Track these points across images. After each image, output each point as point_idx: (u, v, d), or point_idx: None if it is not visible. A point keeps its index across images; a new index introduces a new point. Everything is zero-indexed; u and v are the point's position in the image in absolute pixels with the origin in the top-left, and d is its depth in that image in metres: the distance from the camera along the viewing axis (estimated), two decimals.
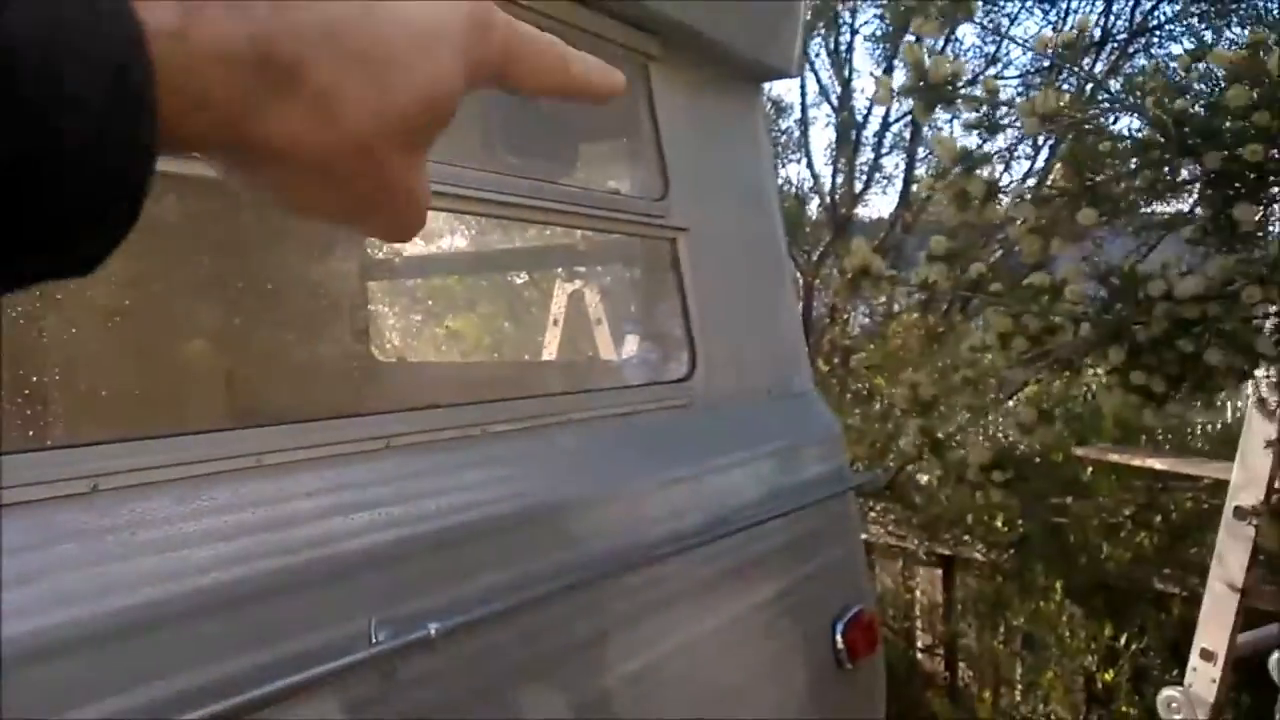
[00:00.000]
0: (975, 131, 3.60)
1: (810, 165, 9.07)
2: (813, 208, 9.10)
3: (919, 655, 6.50)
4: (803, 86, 8.76)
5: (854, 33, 8.70)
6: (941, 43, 7.67)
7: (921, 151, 9.11)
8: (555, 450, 2.19)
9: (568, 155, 3.27)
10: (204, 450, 1.50)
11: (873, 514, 6.39)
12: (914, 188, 8.92)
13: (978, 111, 3.43)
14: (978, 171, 3.30)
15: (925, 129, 8.66)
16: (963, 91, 3.39)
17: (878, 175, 9.01)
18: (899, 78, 8.27)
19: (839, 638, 2.87)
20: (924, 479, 6.31)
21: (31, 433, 1.84)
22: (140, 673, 1.32)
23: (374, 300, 5.17)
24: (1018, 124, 3.37)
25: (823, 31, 8.35)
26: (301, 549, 1.56)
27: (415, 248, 5.82)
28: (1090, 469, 5.73)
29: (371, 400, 3.88)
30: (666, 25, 2.85)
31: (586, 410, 2.31)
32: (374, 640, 1.56)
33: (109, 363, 2.60)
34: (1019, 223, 3.26)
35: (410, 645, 1.56)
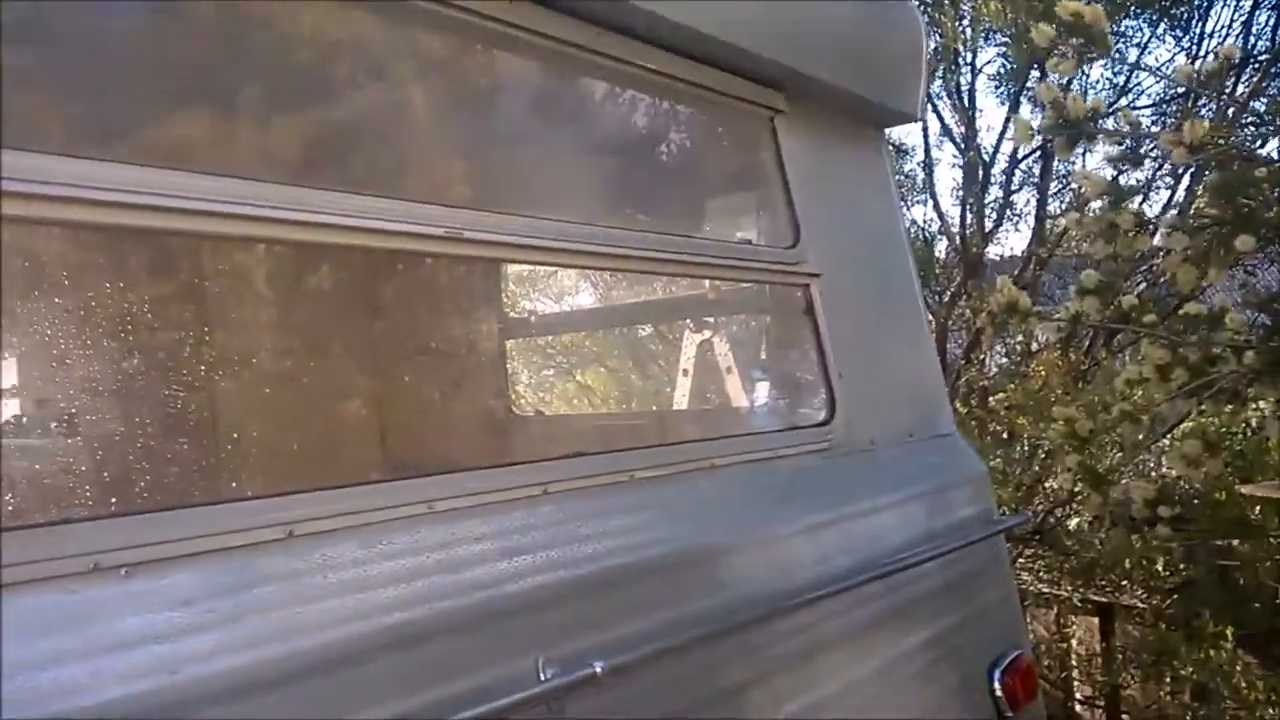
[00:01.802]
0: (1116, 164, 3.51)
1: (937, 206, 8.94)
2: (940, 248, 8.94)
3: (1078, 707, 6.17)
4: (924, 128, 8.68)
5: (975, 72, 8.59)
6: (1066, 77, 7.49)
7: (1053, 186, 8.87)
8: (701, 495, 2.23)
9: (695, 209, 3.35)
10: (383, 498, 1.61)
11: (1021, 560, 6.15)
12: (1047, 224, 8.68)
13: (1120, 145, 3.35)
14: (1125, 204, 3.22)
15: (1056, 163, 8.45)
16: (1103, 126, 3.33)
17: (1008, 213, 8.80)
18: (1025, 112, 8.10)
19: (997, 685, 2.78)
20: (1075, 522, 6.05)
21: (234, 484, 2.00)
22: (334, 707, 1.41)
23: (513, 357, 5.36)
24: (1162, 155, 3.28)
25: (944, 72, 8.28)
26: (472, 590, 1.64)
27: (550, 306, 6.01)
28: (1258, 507, 5.38)
29: (518, 450, 4.00)
30: (791, 78, 2.92)
31: (729, 456, 2.35)
32: (542, 678, 1.62)
33: (284, 420, 2.79)
34: (1171, 253, 3.16)
35: (578, 683, 1.61)
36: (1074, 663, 6.28)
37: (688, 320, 4.90)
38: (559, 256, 2.25)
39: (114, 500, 2.02)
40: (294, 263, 3.06)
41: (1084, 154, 6.93)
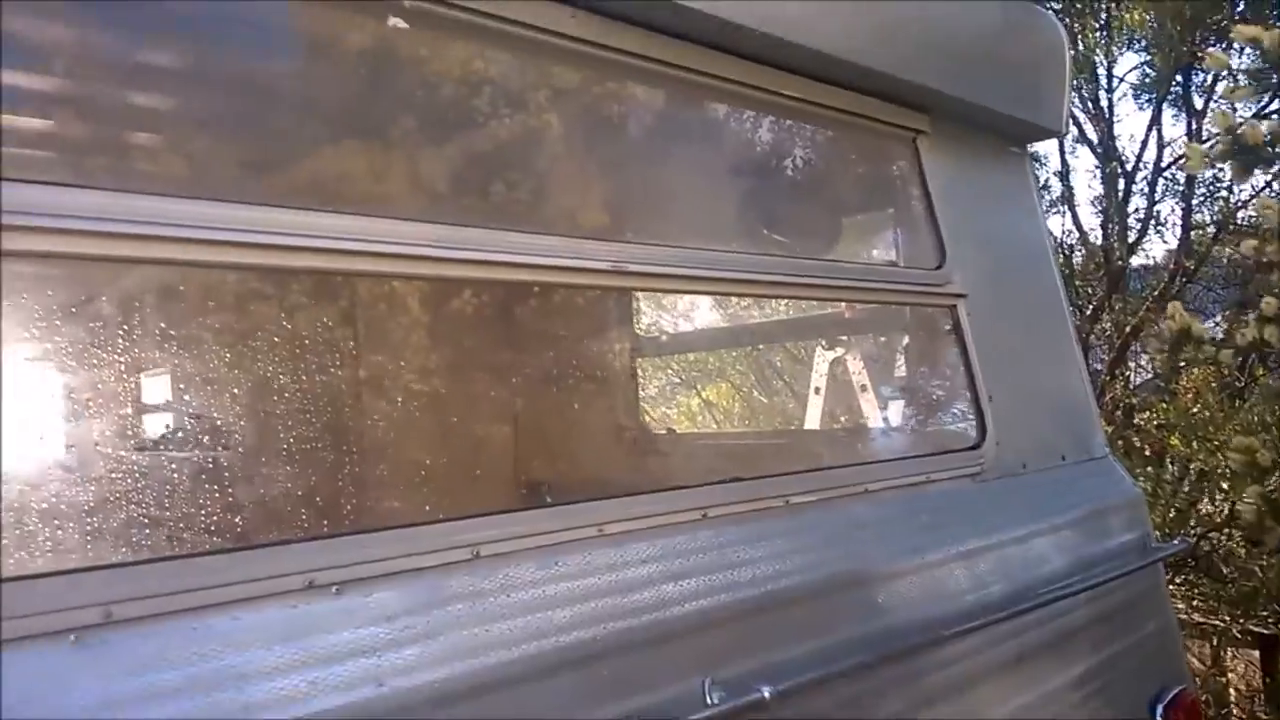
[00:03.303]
0: None
1: (1075, 217, 8.63)
2: (1078, 258, 8.62)
3: None
4: (1060, 140, 8.41)
5: (1114, 80, 8.28)
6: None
7: (1196, 197, 8.46)
8: (855, 521, 2.24)
9: (838, 233, 3.36)
10: (557, 521, 1.68)
11: (1173, 587, 5.86)
12: (1193, 234, 8.29)
13: None
14: None
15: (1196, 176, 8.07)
16: None
17: (1152, 224, 8.44)
18: (1170, 127, 7.74)
19: None
20: (1235, 549, 5.73)
21: (426, 507, 2.12)
22: None
23: (643, 376, 5.43)
24: None
25: (1082, 83, 8.01)
26: (641, 612, 1.70)
27: (682, 324, 6.07)
28: None
29: (677, 473, 4.06)
30: (933, 99, 2.90)
31: (882, 481, 2.35)
32: (710, 701, 1.66)
33: (460, 445, 2.93)
34: None
35: (746, 707, 1.65)
36: (1233, 699, 5.94)
37: (820, 338, 4.88)
38: (713, 285, 2.31)
39: (325, 522, 2.18)
40: (453, 292, 3.21)
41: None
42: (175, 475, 2.04)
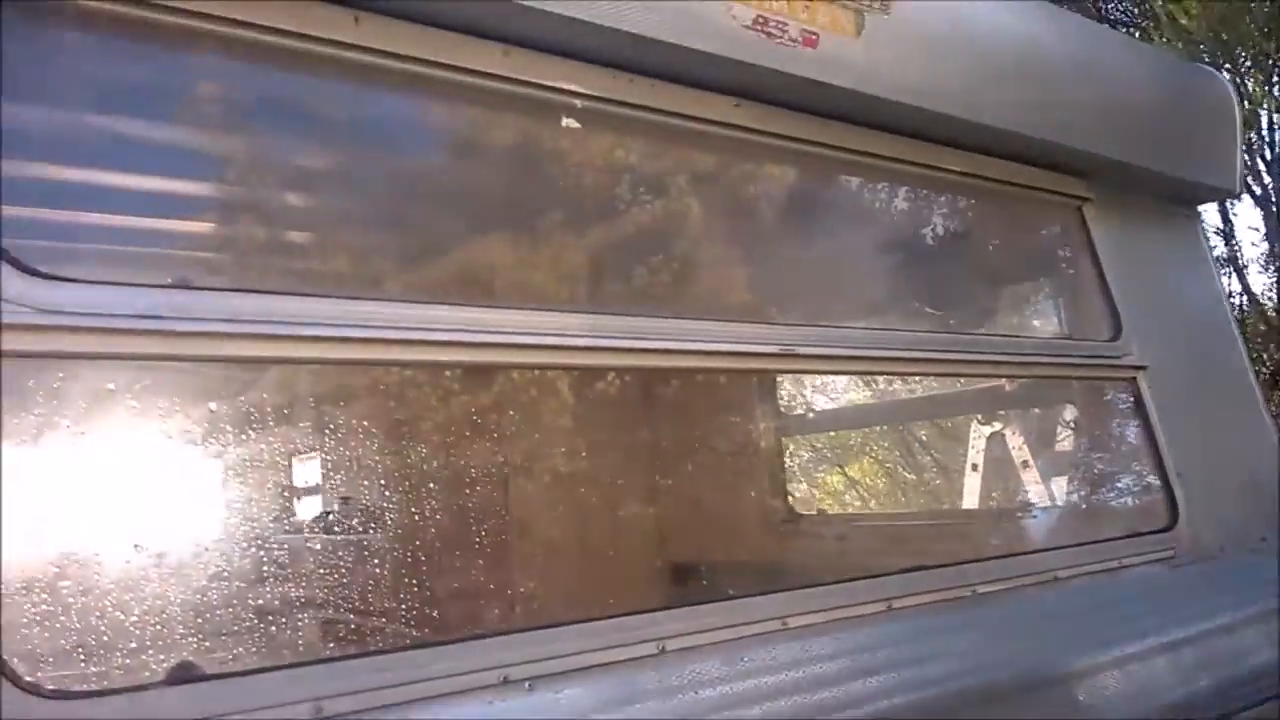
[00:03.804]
0: None
1: (1241, 277, 8.15)
2: (1248, 322, 8.10)
3: None
4: (1230, 199, 8.00)
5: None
6: None
7: None
8: (1045, 611, 2.11)
9: (1004, 306, 3.26)
10: (740, 615, 1.64)
11: None
12: None
13: None
14: None
15: None
16: None
17: None
18: None
19: None
20: None
21: (611, 601, 2.12)
22: None
23: (790, 455, 5.34)
24: None
25: (1250, 137, 7.64)
26: (829, 710, 1.63)
27: (830, 402, 5.97)
28: None
29: (860, 561, 3.93)
30: (1097, 165, 2.81)
31: (1072, 567, 2.22)
32: None
33: (637, 536, 2.94)
34: None
35: None
36: None
37: (977, 413, 4.70)
38: (883, 365, 2.27)
39: (516, 616, 2.21)
40: (605, 379, 3.26)
41: None
42: (373, 569, 2.10)
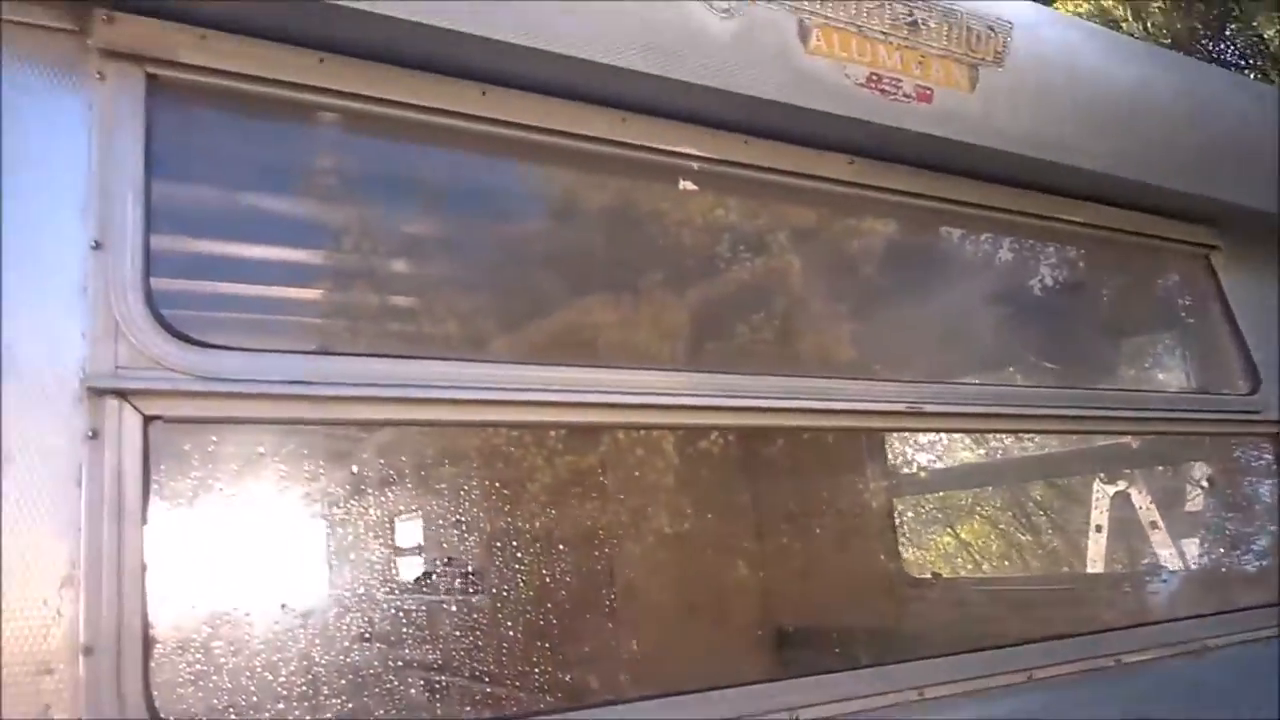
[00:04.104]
0: None
1: None
2: None
3: None
4: None
5: None
6: None
7: None
8: (1193, 681, 1.98)
9: (1128, 360, 3.14)
10: (877, 684, 1.58)
11: None
12: None
13: None
14: None
15: None
16: None
17: None
18: None
19: None
20: None
21: (742, 668, 2.08)
22: None
23: (900, 515, 5.19)
24: None
25: None
26: None
27: (942, 460, 5.81)
28: None
29: (958, 628, 3.80)
30: (1224, 211, 2.70)
31: (1221, 635, 2.08)
32: None
33: (746, 598, 2.90)
34: None
35: None
36: None
37: (1099, 472, 4.50)
38: (1002, 422, 2.19)
39: (629, 682, 2.19)
40: (705, 436, 3.24)
41: None
42: (512, 632, 2.10)
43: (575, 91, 1.67)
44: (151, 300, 1.32)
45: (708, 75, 1.69)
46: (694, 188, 1.86)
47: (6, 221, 1.28)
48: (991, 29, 2.15)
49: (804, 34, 1.81)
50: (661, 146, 1.78)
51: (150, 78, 1.43)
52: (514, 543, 2.27)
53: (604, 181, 1.90)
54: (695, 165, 1.84)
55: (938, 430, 3.11)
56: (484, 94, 1.61)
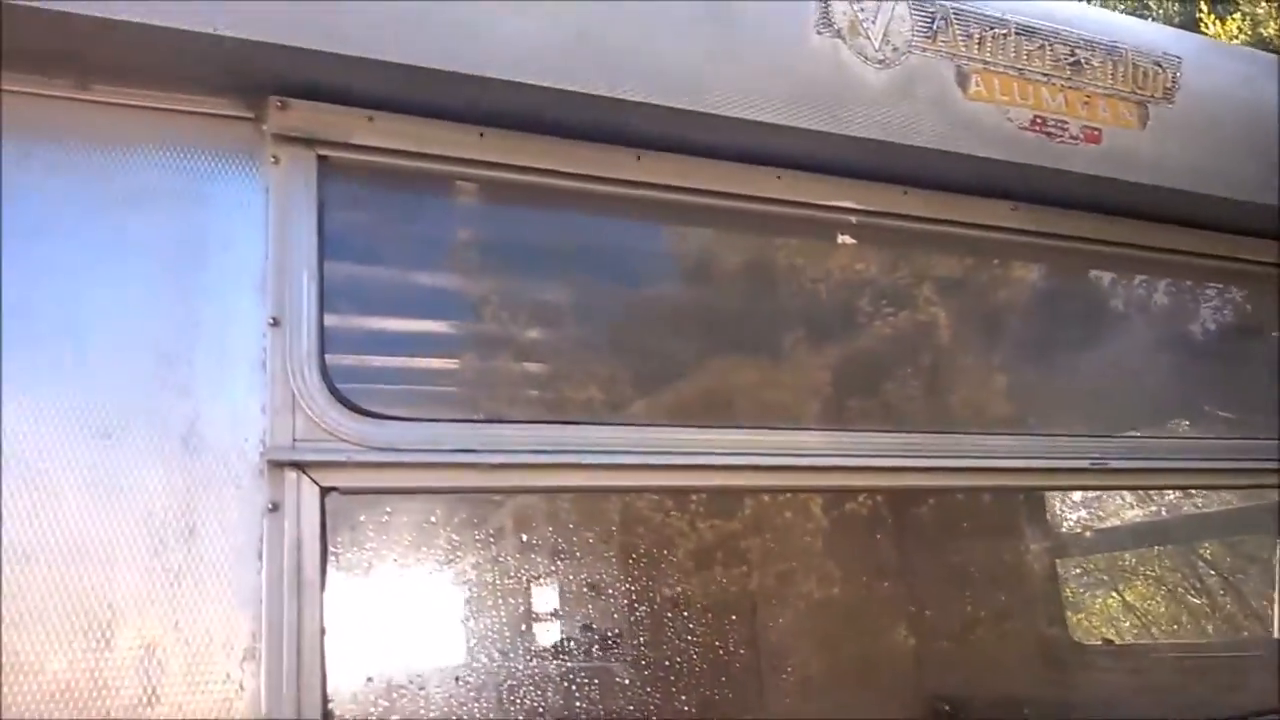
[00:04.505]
0: None
1: None
2: None
3: None
4: None
5: None
6: None
7: None
8: None
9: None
10: None
11: None
12: None
13: None
14: None
15: None
16: None
17: None
18: None
19: None
20: None
21: None
22: None
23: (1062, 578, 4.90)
24: None
25: None
26: None
27: (1106, 519, 5.49)
28: None
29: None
30: None
31: None
32: None
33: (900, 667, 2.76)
34: None
35: None
36: None
37: None
38: (1188, 477, 2.04)
39: None
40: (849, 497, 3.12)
41: None
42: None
43: (729, 151, 1.65)
44: (326, 374, 1.35)
45: (865, 127, 1.65)
46: (852, 241, 1.81)
47: (193, 300, 1.34)
48: (1159, 65, 2.04)
49: (963, 80, 1.76)
50: (817, 201, 1.75)
51: (321, 159, 1.48)
52: (682, 611, 2.22)
53: (760, 239, 1.87)
54: (853, 219, 1.79)
55: (1111, 488, 2.91)
56: (638, 159, 1.61)
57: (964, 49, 1.78)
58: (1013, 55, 1.82)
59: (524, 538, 1.67)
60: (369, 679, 1.39)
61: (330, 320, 1.40)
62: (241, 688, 1.18)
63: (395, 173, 1.55)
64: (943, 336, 2.21)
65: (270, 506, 1.26)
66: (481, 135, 1.55)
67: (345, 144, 1.49)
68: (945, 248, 2.06)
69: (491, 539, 1.59)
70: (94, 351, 1.27)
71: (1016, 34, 1.85)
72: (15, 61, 1.32)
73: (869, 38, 1.69)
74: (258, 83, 1.43)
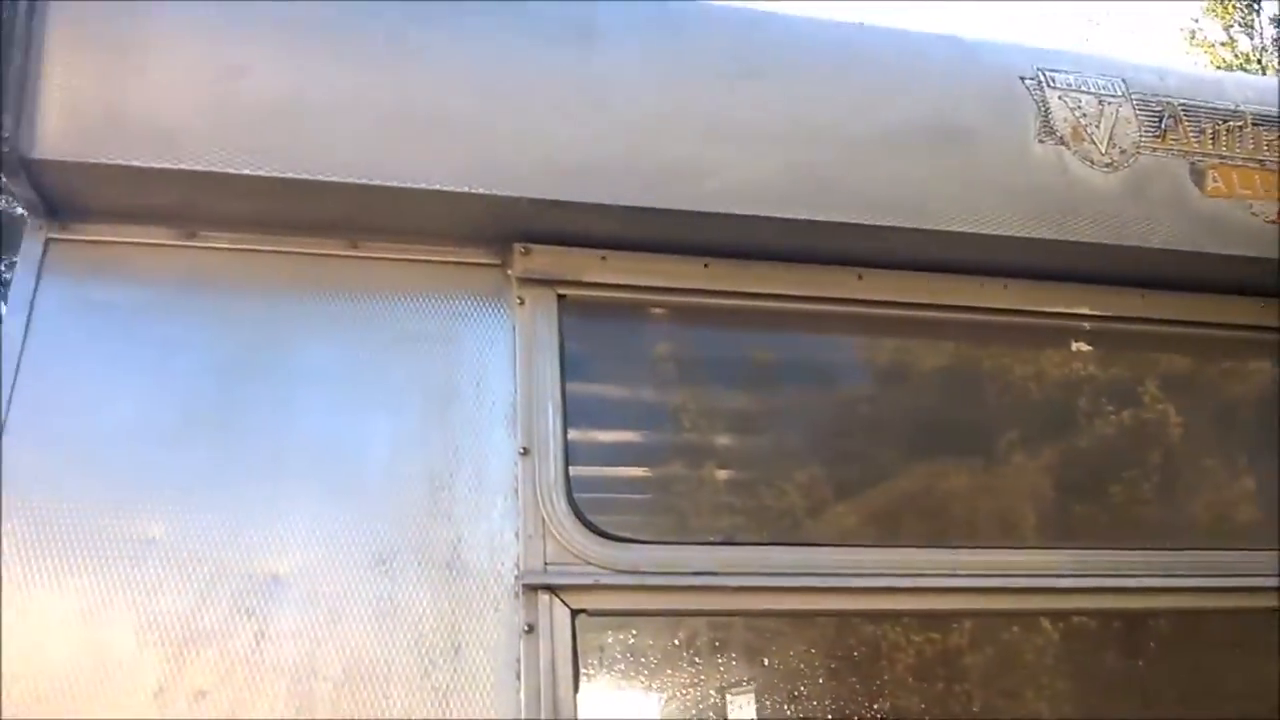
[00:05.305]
0: None
1: None
2: None
3: None
4: None
5: None
6: None
7: None
8: None
9: None
10: None
11: None
12: None
13: None
14: None
15: None
16: None
17: None
18: None
19: None
20: None
21: None
22: None
23: None
24: None
25: None
26: None
27: None
28: None
29: None
30: None
31: None
32: None
33: None
34: None
35: None
36: None
37: None
38: None
39: None
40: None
41: None
42: None
43: (954, 264, 1.64)
44: (573, 500, 1.42)
45: (1095, 232, 1.61)
46: (1087, 348, 1.74)
47: (452, 433, 1.45)
48: None
49: (1198, 177, 1.68)
50: (1047, 309, 1.70)
51: (560, 298, 1.59)
52: None
53: (989, 352, 1.83)
54: (1086, 325, 1.73)
55: None
56: (860, 278, 1.63)
57: (1197, 145, 1.72)
58: (1251, 147, 1.74)
59: (765, 661, 1.66)
60: None
61: (573, 447, 1.48)
62: None
63: (627, 306, 1.63)
64: (1194, 442, 2.05)
65: (526, 628, 1.32)
66: (706, 266, 1.62)
67: (582, 282, 1.60)
68: (1186, 349, 1.94)
69: (733, 660, 1.59)
70: (369, 483, 1.40)
71: (1253, 125, 1.77)
72: (292, 225, 1.51)
73: (1094, 142, 1.66)
74: (504, 232, 1.57)
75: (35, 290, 1.40)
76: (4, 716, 1.18)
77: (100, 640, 1.24)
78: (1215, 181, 1.70)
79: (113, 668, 1.23)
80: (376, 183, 1.46)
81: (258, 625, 1.28)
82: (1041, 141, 1.68)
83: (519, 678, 1.29)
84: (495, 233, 1.57)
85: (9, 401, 1.31)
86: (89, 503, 1.30)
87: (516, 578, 1.35)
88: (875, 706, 1.83)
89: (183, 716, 1.22)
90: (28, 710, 1.19)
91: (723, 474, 1.77)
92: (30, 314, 1.38)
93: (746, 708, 1.57)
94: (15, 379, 1.33)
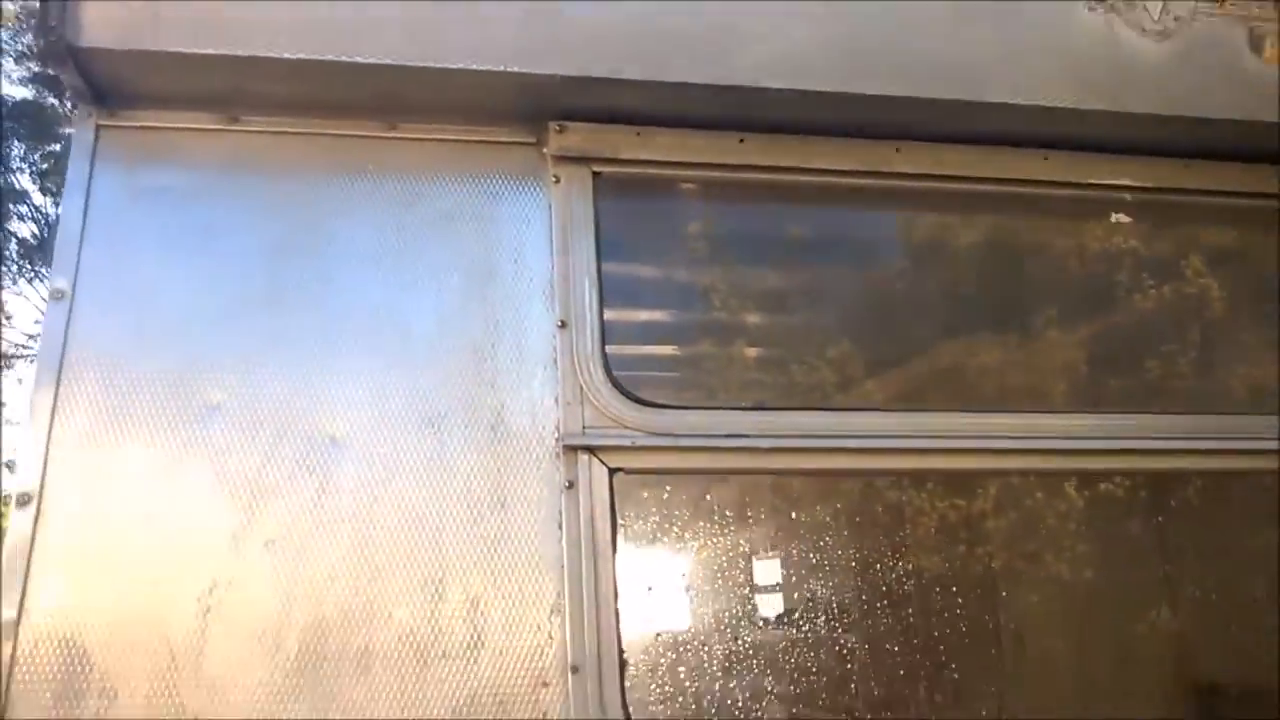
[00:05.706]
0: None
1: None
2: None
3: None
4: None
5: None
6: None
7: None
8: None
9: None
10: None
11: None
12: None
13: None
14: None
15: None
16: None
17: None
18: None
19: None
20: None
21: None
22: None
23: None
24: None
25: None
26: None
27: None
28: None
29: None
30: None
31: None
32: None
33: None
34: None
35: None
36: None
37: None
38: None
39: None
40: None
41: None
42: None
43: (994, 137, 1.63)
44: (609, 368, 1.48)
45: (1145, 102, 1.57)
46: (1127, 219, 1.72)
47: (492, 307, 1.51)
48: None
49: (1256, 43, 1.63)
50: (1087, 180, 1.68)
51: (595, 175, 1.62)
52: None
53: (1026, 224, 1.82)
54: (1128, 196, 1.71)
55: None
56: (898, 150, 1.63)
57: (1258, 9, 1.66)
58: None
59: (794, 515, 1.73)
60: (657, 634, 1.52)
61: (609, 319, 1.53)
62: (550, 637, 1.33)
63: (663, 182, 1.66)
64: (1231, 314, 2.02)
65: (567, 484, 1.41)
66: (741, 141, 1.63)
67: (617, 159, 1.62)
68: (1232, 220, 1.90)
69: (761, 516, 1.67)
70: (416, 353, 1.47)
71: None
72: (332, 108, 1.55)
73: (1147, 9, 1.61)
74: (539, 110, 1.60)
75: (90, 175, 1.48)
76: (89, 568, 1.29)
77: (176, 494, 1.35)
78: (1273, 48, 1.65)
79: (192, 519, 1.34)
80: (414, 63, 1.49)
81: (319, 480, 1.38)
82: (1091, 9, 1.64)
83: (560, 528, 1.39)
84: (531, 111, 1.59)
85: (75, 283, 1.41)
86: (155, 372, 1.39)
87: (557, 440, 1.43)
88: (900, 565, 1.90)
89: (257, 560, 1.34)
90: (114, 560, 1.31)
91: (752, 351, 1.81)
92: (87, 199, 1.46)
93: (772, 569, 1.65)
94: (78, 259, 1.42)
